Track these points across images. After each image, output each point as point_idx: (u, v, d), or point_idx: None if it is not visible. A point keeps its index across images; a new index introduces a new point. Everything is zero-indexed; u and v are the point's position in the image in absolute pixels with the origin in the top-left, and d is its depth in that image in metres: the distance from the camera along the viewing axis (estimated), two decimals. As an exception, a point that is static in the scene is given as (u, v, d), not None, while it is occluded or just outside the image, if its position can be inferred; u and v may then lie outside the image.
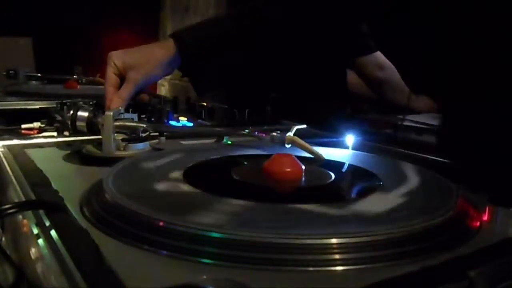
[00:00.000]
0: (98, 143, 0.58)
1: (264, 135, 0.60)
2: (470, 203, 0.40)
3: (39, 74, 1.37)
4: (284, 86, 1.19)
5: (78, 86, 1.28)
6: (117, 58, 0.69)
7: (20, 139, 0.65)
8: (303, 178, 0.46)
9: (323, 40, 0.82)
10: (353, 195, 0.44)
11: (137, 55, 0.71)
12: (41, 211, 0.36)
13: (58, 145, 0.63)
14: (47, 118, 0.80)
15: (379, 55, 1.20)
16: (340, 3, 0.73)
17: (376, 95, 1.29)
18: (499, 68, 0.59)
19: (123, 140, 0.58)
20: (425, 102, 1.10)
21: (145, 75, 0.69)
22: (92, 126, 0.62)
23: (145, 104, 0.86)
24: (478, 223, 0.37)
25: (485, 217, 0.38)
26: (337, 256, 0.29)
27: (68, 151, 0.59)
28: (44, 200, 0.39)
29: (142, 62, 0.70)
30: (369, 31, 0.81)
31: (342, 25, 0.78)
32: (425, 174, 0.46)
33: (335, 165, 0.51)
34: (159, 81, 2.11)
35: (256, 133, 0.62)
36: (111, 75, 0.69)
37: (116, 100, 0.67)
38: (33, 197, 0.41)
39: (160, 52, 0.72)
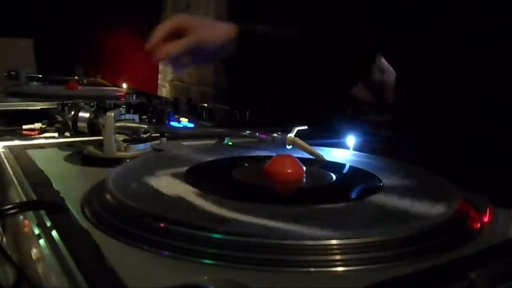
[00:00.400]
0: (99, 144, 0.58)
1: (265, 136, 0.60)
2: (470, 204, 0.40)
3: (40, 75, 1.38)
4: (286, 87, 1.19)
5: (79, 87, 1.28)
6: (183, 16, 0.72)
7: (21, 139, 0.65)
8: (304, 179, 0.46)
9: (324, 42, 0.82)
10: (354, 196, 0.44)
11: (203, 20, 0.74)
12: (42, 212, 0.36)
13: (59, 145, 0.63)
14: (48, 119, 0.80)
15: (379, 58, 1.20)
16: (340, 3, 0.73)
17: (375, 99, 1.29)
18: (496, 68, 0.60)
19: (124, 141, 0.59)
20: None
21: (203, 38, 0.70)
22: (93, 127, 0.62)
23: (146, 105, 0.86)
24: (479, 224, 0.37)
25: (486, 218, 0.38)
26: (338, 257, 0.29)
27: (69, 152, 0.59)
28: (45, 201, 0.39)
29: (206, 25, 0.72)
30: (369, 31, 0.81)
31: (342, 26, 0.78)
32: (425, 175, 0.46)
33: (336, 166, 0.51)
34: (160, 82, 2.11)
35: (257, 134, 0.62)
36: (166, 26, 0.70)
37: (170, 47, 0.67)
38: (34, 197, 0.41)
39: (223, 28, 0.74)
